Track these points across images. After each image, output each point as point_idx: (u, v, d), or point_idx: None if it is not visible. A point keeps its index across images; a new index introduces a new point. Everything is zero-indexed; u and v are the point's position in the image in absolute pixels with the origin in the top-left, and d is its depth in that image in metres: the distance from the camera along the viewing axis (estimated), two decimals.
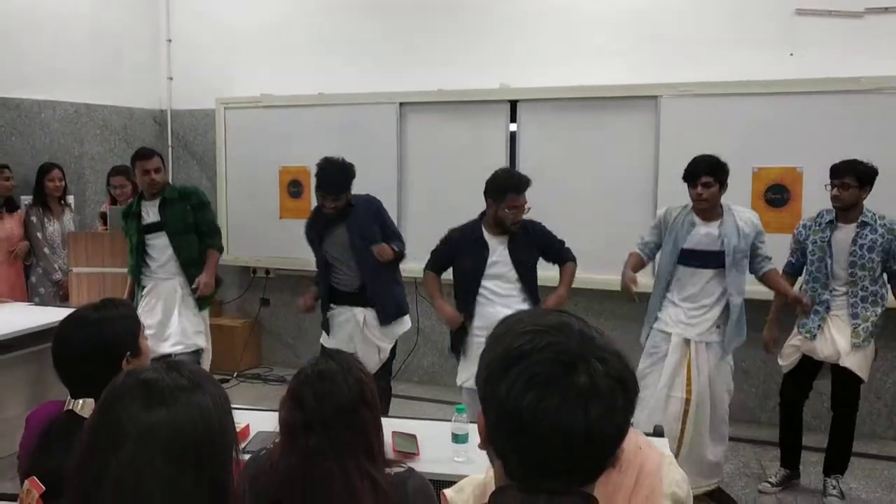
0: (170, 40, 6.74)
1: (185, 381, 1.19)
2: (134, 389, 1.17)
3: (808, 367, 4.13)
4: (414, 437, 2.55)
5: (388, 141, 5.79)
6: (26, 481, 1.72)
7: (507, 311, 3.78)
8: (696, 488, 3.72)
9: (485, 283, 3.90)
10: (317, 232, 4.35)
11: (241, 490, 1.97)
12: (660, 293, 3.99)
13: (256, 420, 2.82)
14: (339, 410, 1.87)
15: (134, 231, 4.61)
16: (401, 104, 5.75)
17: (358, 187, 5.83)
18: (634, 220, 4.89)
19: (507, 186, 3.83)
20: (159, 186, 4.56)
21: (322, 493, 1.85)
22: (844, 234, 3.96)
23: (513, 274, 3.89)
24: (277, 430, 2.31)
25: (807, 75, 4.83)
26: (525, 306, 3.85)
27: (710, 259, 3.84)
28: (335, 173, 4.17)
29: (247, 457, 2.44)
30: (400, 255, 4.37)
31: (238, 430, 2.62)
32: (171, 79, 6.77)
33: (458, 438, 2.54)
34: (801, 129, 4.84)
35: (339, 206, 4.17)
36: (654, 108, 5.12)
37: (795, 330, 4.17)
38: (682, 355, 3.89)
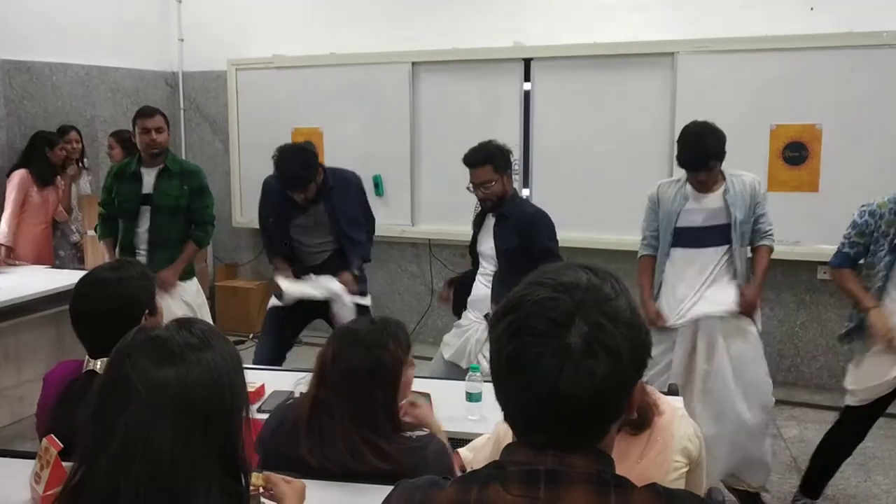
0: (180, 1, 6.68)
1: (195, 340, 1.19)
2: (144, 347, 1.18)
3: (889, 397, 3.27)
4: (428, 395, 2.56)
5: (400, 101, 5.73)
6: (44, 439, 1.74)
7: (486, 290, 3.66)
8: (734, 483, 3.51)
9: (482, 261, 3.74)
10: (281, 211, 3.96)
11: (263, 438, 2.02)
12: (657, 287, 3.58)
13: (272, 379, 2.85)
14: (346, 377, 1.90)
15: (132, 196, 4.16)
16: (413, 63, 5.69)
17: (371, 149, 5.84)
18: (651, 180, 4.80)
19: (465, 164, 3.61)
20: (159, 148, 4.14)
21: (323, 444, 1.88)
22: None
23: (492, 256, 3.64)
24: (293, 389, 2.35)
25: (827, 30, 4.71)
26: (483, 291, 3.68)
27: (712, 235, 3.43)
28: (293, 164, 3.76)
29: (261, 416, 2.48)
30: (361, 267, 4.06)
31: (253, 389, 2.68)
32: (181, 40, 6.71)
33: (472, 397, 2.55)
34: (821, 86, 4.75)
35: (309, 196, 3.82)
36: (671, 65, 5.03)
37: (866, 354, 3.25)
38: (691, 344, 3.45)
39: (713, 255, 3.44)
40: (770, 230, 3.52)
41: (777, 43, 4.81)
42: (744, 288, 3.42)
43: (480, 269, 3.75)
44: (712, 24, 5.01)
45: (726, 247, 3.42)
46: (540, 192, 5.45)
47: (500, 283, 3.56)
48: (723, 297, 3.42)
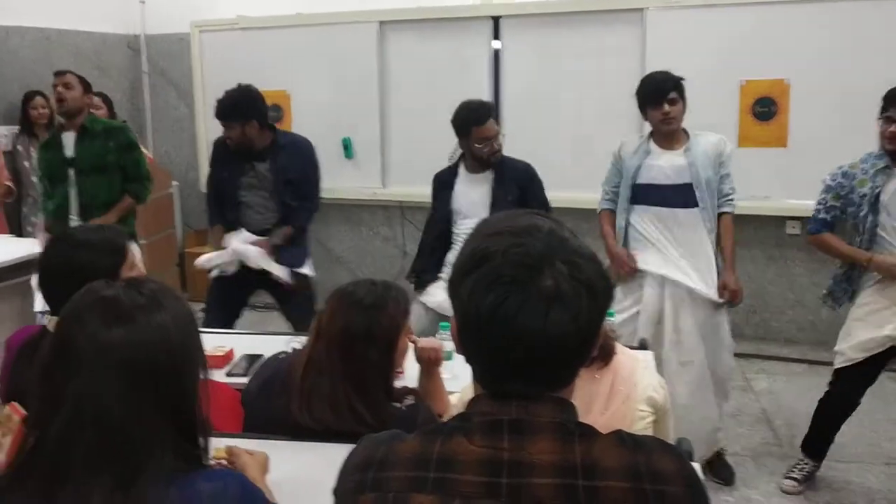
0: None
1: (144, 300, 1.15)
2: (92, 307, 1.14)
3: (885, 355, 3.20)
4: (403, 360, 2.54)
5: (368, 62, 5.65)
6: (6, 407, 1.70)
7: None
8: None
9: (462, 222, 3.60)
10: (230, 169, 3.89)
11: (250, 392, 2.01)
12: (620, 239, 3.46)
13: (241, 343, 2.82)
14: (342, 336, 1.89)
15: (55, 162, 4.10)
16: (381, 23, 5.59)
17: (339, 111, 5.76)
18: (620, 138, 4.82)
19: (468, 121, 3.50)
20: (66, 106, 4.04)
21: (311, 402, 1.87)
22: None
23: (478, 213, 3.46)
24: (262, 354, 2.34)
25: None
26: None
27: (675, 194, 3.28)
28: (233, 94, 3.75)
29: (231, 380, 2.46)
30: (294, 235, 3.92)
31: (222, 353, 2.65)
32: (143, 2, 6.54)
33: (447, 355, 2.54)
34: (790, 40, 4.74)
35: (235, 137, 3.74)
36: (641, 21, 5.00)
37: (859, 307, 3.23)
38: (657, 301, 3.34)
39: (681, 216, 3.30)
40: (731, 194, 3.36)
41: None
42: (725, 279, 3.30)
43: (463, 229, 3.59)
44: None
45: (695, 210, 3.27)
46: (509, 151, 5.37)
47: None
48: (699, 272, 3.30)
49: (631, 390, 1.90)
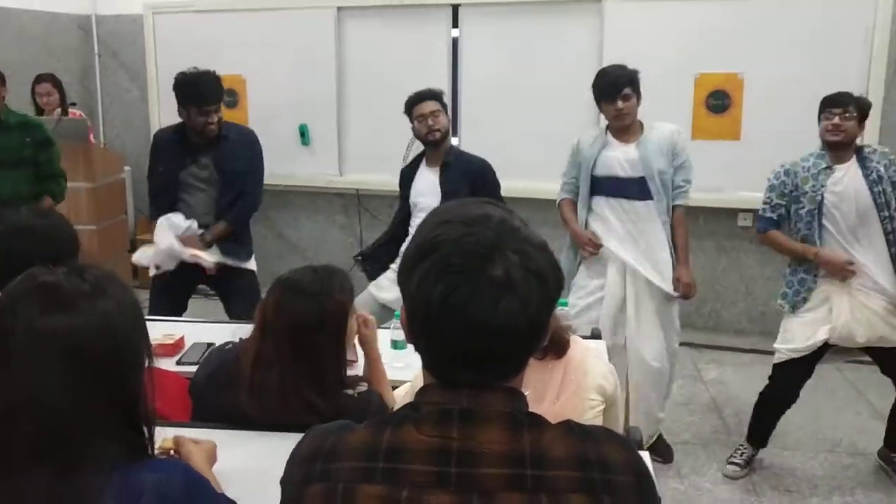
0: None
1: (87, 287, 1.12)
2: (31, 294, 1.10)
3: (820, 351, 3.30)
4: (353, 344, 2.53)
5: (326, 48, 5.59)
6: None
7: None
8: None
9: (418, 214, 3.70)
10: (173, 161, 3.74)
11: (197, 383, 1.98)
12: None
13: (192, 331, 2.78)
14: (290, 328, 1.85)
15: None
16: (339, 8, 5.53)
17: (297, 97, 5.70)
18: (578, 128, 4.83)
19: (409, 102, 3.67)
20: None
21: (261, 396, 1.85)
22: (848, 177, 3.19)
23: (435, 203, 3.44)
24: (213, 342, 2.30)
25: None
26: None
27: (631, 187, 3.33)
28: (206, 76, 3.62)
29: (181, 369, 2.42)
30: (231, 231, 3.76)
31: (172, 341, 2.61)
32: None
33: (397, 345, 2.53)
34: (744, 35, 4.80)
35: (220, 120, 3.65)
36: (599, 12, 5.02)
37: (795, 301, 3.32)
38: (619, 289, 3.40)
39: (640, 209, 3.35)
40: (685, 186, 3.40)
41: None
42: (678, 273, 3.37)
43: (417, 220, 3.69)
44: None
45: (650, 202, 3.33)
46: (468, 140, 5.42)
47: None
48: (654, 264, 3.36)
49: (582, 378, 1.92)
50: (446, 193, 3.57)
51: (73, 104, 5.76)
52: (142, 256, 3.71)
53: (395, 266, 3.73)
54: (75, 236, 1.96)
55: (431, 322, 0.93)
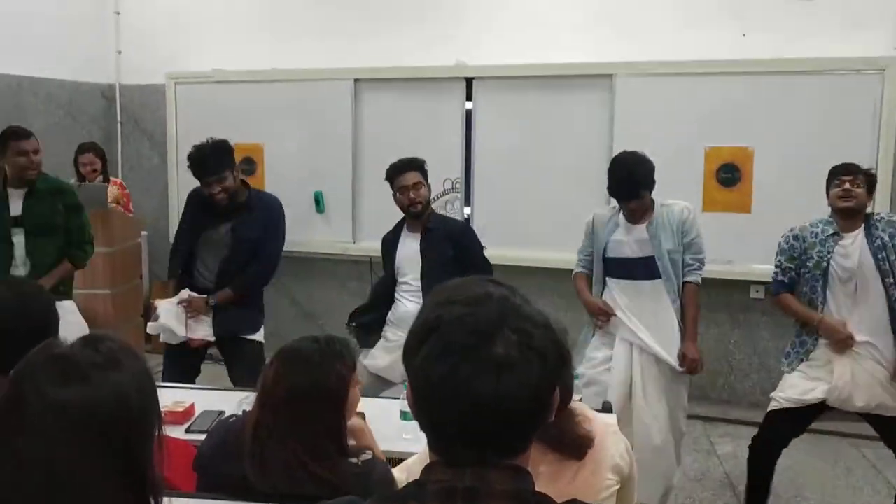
0: (118, 13, 6.56)
1: (101, 358, 1.13)
2: (46, 365, 1.12)
3: (815, 409, 3.34)
4: (362, 414, 2.53)
5: (342, 118, 5.71)
6: None
7: (417, 307, 3.70)
8: None
9: (401, 279, 3.79)
10: (196, 220, 3.90)
11: (202, 455, 1.97)
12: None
13: (203, 399, 2.78)
14: (289, 398, 1.85)
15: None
16: (356, 80, 5.67)
17: (312, 165, 5.79)
18: (589, 200, 4.90)
19: (390, 172, 3.79)
20: (38, 170, 3.89)
21: (264, 467, 1.84)
22: (855, 245, 3.22)
23: (418, 268, 3.71)
24: (223, 410, 2.30)
25: (758, 56, 4.86)
26: (411, 307, 3.71)
27: (640, 267, 3.42)
28: (204, 147, 3.77)
29: (190, 437, 2.42)
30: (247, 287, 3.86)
31: (182, 409, 2.61)
32: (119, 52, 6.58)
33: (406, 416, 2.53)
34: (753, 109, 4.88)
35: (222, 188, 3.72)
36: (610, 87, 5.12)
37: (795, 362, 3.38)
38: (626, 365, 3.45)
39: (647, 288, 3.43)
40: (696, 265, 3.46)
41: (711, 67, 4.94)
42: (684, 348, 3.41)
43: (402, 287, 3.78)
44: (649, 47, 5.12)
45: (658, 281, 3.40)
46: (480, 211, 5.48)
47: None
48: (662, 341, 3.40)
49: (601, 458, 1.89)
50: (429, 258, 3.66)
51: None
52: (154, 327, 3.76)
53: (388, 335, 3.80)
54: (49, 310, 1.97)
55: (434, 401, 0.94)
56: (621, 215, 3.52)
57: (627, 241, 3.45)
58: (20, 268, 3.86)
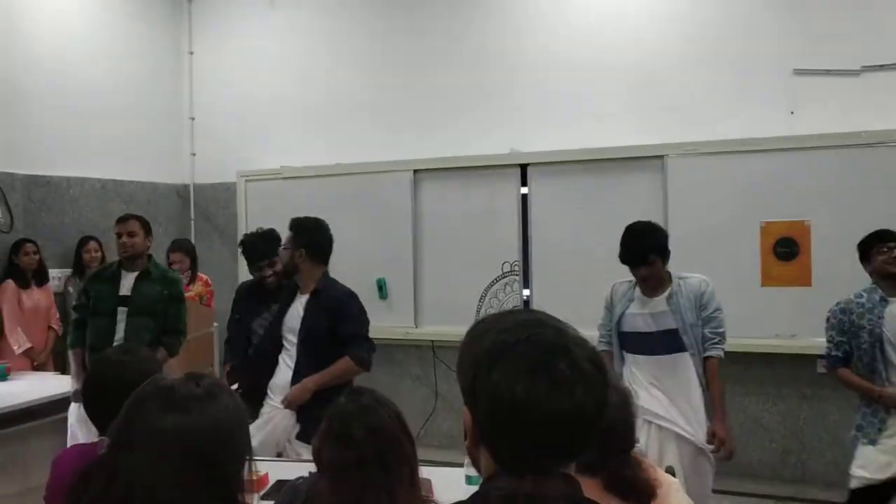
0: (193, 118, 7.02)
1: (200, 391, 1.28)
2: (152, 396, 1.27)
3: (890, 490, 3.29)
4: (429, 481, 2.59)
5: (403, 207, 5.94)
6: None
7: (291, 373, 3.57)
8: None
9: (284, 342, 3.73)
10: (248, 307, 4.15)
11: None
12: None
13: (276, 469, 2.88)
14: (390, 442, 1.90)
15: (109, 296, 4.16)
16: (415, 171, 5.92)
17: (375, 252, 6.00)
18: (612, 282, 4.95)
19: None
20: (130, 251, 4.16)
21: None
22: None
23: (294, 336, 3.66)
24: (298, 477, 2.36)
25: (808, 132, 4.94)
26: (287, 375, 3.63)
27: (660, 342, 3.36)
28: (252, 235, 4.23)
29: (263, 473, 2.50)
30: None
31: (257, 477, 2.71)
32: (193, 154, 7.02)
33: (472, 480, 2.58)
34: (807, 184, 4.92)
35: (278, 273, 4.00)
36: (662, 167, 5.24)
37: (871, 433, 3.33)
38: (644, 446, 3.25)
39: (668, 363, 3.37)
40: (717, 339, 3.40)
41: (761, 145, 5.02)
42: (714, 427, 3.33)
43: (286, 350, 3.71)
44: (700, 128, 5.25)
45: (682, 354, 3.36)
46: (540, 293, 5.57)
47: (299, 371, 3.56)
48: (685, 416, 3.32)
49: None
50: (305, 323, 3.63)
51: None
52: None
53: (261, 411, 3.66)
54: (145, 372, 2.13)
55: (512, 418, 1.03)
56: (637, 289, 3.50)
57: (643, 314, 3.42)
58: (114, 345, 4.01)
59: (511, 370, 1.04)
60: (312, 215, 6.12)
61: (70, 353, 4.34)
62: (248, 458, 1.31)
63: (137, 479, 1.20)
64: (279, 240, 4.08)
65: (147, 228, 4.31)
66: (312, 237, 3.73)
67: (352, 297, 3.71)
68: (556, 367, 1.03)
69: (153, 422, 1.23)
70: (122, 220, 4.28)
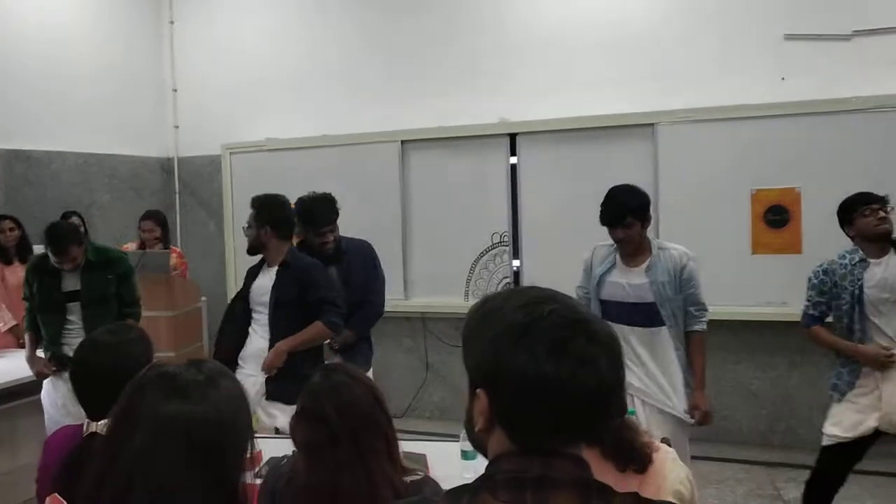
0: (175, 90, 6.91)
1: (202, 377, 1.25)
2: (153, 381, 1.25)
3: (870, 438, 3.34)
4: (424, 456, 2.58)
5: (391, 178, 5.89)
6: (48, 498, 1.76)
7: (263, 342, 3.61)
8: None
9: (256, 313, 3.75)
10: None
11: (265, 500, 2.02)
12: None
13: (268, 446, 2.86)
14: (362, 419, 1.89)
15: (52, 294, 3.98)
16: (402, 142, 5.86)
17: (363, 225, 5.94)
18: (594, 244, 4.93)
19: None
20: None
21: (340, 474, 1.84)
22: (883, 269, 3.29)
23: (264, 308, 3.70)
24: (283, 457, 2.34)
25: (799, 98, 4.91)
26: (265, 343, 3.66)
27: (639, 314, 3.30)
28: (325, 204, 4.18)
29: (258, 481, 2.48)
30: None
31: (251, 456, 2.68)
32: (177, 127, 6.92)
33: (467, 455, 2.56)
34: (797, 151, 4.91)
35: (335, 237, 4.14)
36: (652, 135, 5.20)
37: (846, 391, 3.38)
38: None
39: (646, 336, 3.32)
40: (700, 313, 3.37)
41: (752, 111, 4.99)
42: (696, 400, 3.33)
43: (256, 321, 3.76)
44: (689, 95, 5.20)
45: (661, 328, 3.31)
46: (529, 262, 5.55)
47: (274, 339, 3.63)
48: (666, 390, 3.31)
49: (661, 482, 1.91)
50: (275, 294, 3.66)
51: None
52: None
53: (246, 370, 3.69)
54: (147, 350, 2.09)
55: (540, 394, 0.99)
56: (618, 255, 3.42)
57: (622, 284, 3.35)
58: (77, 339, 3.85)
59: (537, 345, 0.99)
60: (299, 187, 6.10)
61: (26, 335, 4.17)
62: (250, 442, 1.28)
63: (137, 465, 1.18)
64: (336, 202, 4.18)
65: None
66: (276, 214, 3.75)
67: (319, 266, 3.81)
68: (580, 342, 0.99)
69: (156, 407, 1.21)
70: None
